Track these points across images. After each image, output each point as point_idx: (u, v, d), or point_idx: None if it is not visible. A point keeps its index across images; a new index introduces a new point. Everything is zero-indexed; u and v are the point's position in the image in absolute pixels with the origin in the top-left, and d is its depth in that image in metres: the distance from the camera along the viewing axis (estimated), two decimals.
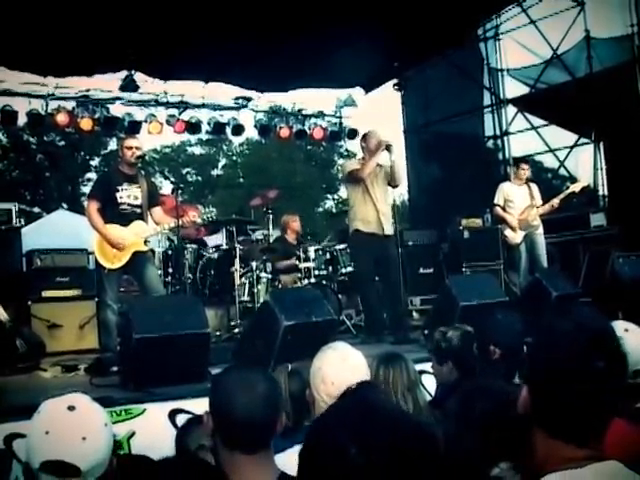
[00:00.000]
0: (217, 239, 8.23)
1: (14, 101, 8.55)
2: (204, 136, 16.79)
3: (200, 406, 2.64)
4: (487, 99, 10.98)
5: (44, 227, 9.71)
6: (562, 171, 10.49)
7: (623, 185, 8.88)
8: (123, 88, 8.94)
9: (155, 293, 5.32)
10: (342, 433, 1.14)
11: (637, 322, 2.47)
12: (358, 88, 10.73)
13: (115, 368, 4.61)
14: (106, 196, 5.39)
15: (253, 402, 1.76)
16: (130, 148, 5.45)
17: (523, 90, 10.55)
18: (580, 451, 1.28)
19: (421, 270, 8.97)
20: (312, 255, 7.32)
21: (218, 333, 7.00)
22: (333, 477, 1.13)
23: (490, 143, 11.17)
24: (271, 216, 7.66)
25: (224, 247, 7.72)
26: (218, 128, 10.01)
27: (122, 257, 5.30)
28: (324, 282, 7.27)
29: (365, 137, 6.38)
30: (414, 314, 8.51)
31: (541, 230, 7.22)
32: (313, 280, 7.17)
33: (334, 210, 25.34)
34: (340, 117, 10.89)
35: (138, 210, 5.46)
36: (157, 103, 9.49)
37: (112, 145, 21.64)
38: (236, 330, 7.00)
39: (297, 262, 7.30)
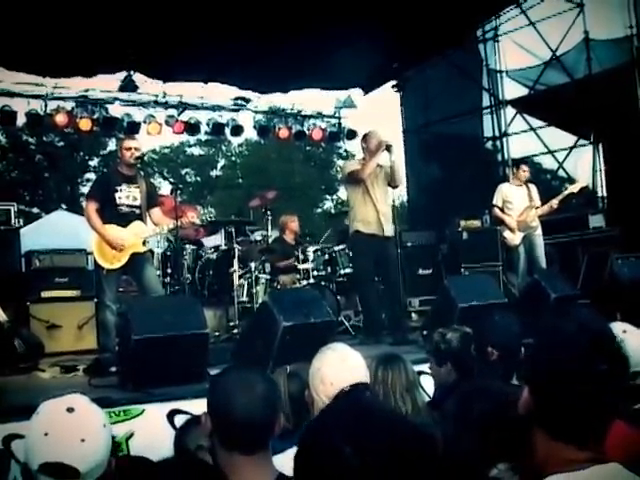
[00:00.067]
0: (216, 240, 8.23)
1: (13, 101, 8.54)
2: (203, 137, 16.79)
3: (199, 407, 2.64)
4: (486, 100, 11.00)
5: (43, 227, 9.72)
6: (561, 172, 10.51)
7: (622, 186, 8.89)
8: (122, 88, 8.94)
9: (154, 294, 5.32)
10: (337, 434, 1.15)
11: (635, 323, 2.48)
12: (357, 89, 10.73)
13: (114, 369, 4.60)
14: (105, 197, 5.39)
15: (252, 403, 1.76)
16: (129, 149, 5.45)
17: (522, 91, 10.58)
18: (581, 453, 1.28)
19: (420, 271, 8.97)
20: (311, 256, 7.32)
21: (217, 334, 7.01)
22: (328, 477, 1.13)
23: (489, 144, 11.18)
24: (270, 217, 7.67)
25: (223, 248, 7.72)
26: (217, 129, 10.01)
27: (121, 258, 5.30)
28: (323, 283, 7.27)
29: (365, 137, 6.38)
30: (413, 315, 8.50)
31: (540, 231, 7.22)
32: (312, 281, 7.17)
33: (333, 211, 25.34)
34: (339, 118, 10.89)
35: (137, 211, 5.45)
36: (156, 104, 9.48)
37: (111, 146, 21.63)
38: (235, 331, 7.00)
39: (296, 263, 7.30)
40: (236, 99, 10.14)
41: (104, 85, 9.04)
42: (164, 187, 21.62)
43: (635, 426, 1.98)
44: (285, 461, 1.75)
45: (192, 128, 9.85)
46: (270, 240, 7.71)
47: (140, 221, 5.47)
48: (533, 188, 7.30)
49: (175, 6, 6.83)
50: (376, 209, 6.17)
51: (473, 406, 1.79)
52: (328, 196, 29.25)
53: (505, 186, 7.47)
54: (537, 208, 7.14)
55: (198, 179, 29.06)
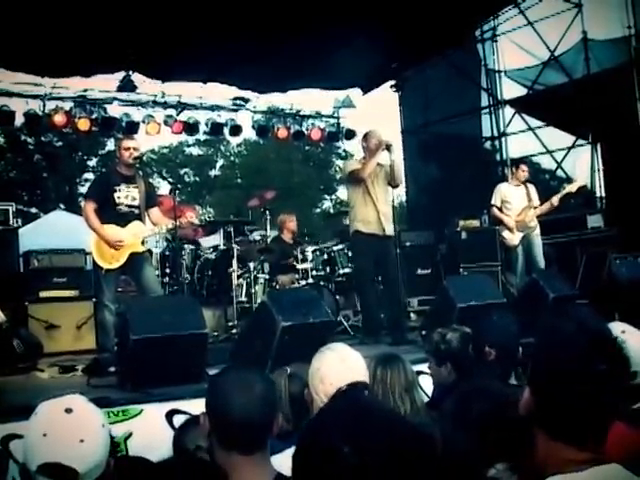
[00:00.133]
0: (215, 240, 8.23)
1: (11, 101, 8.54)
2: (202, 137, 16.78)
3: (198, 407, 2.63)
4: (485, 100, 11.00)
5: (41, 227, 9.69)
6: (559, 172, 10.51)
7: (620, 186, 8.90)
8: (121, 88, 8.93)
9: (153, 293, 5.31)
10: (336, 433, 1.15)
11: (634, 323, 2.47)
12: (356, 89, 10.73)
13: (112, 369, 4.60)
14: (103, 197, 5.38)
15: (250, 403, 1.76)
16: (128, 149, 5.44)
17: (521, 91, 10.58)
18: (580, 453, 1.28)
19: (419, 271, 8.98)
20: (310, 256, 7.32)
21: (216, 334, 7.00)
22: (327, 477, 1.13)
23: (488, 144, 11.18)
24: (269, 217, 7.67)
25: (222, 248, 7.72)
26: (216, 129, 10.01)
27: (120, 258, 5.30)
28: (322, 283, 7.27)
29: (366, 137, 6.37)
30: (412, 315, 8.50)
31: (538, 231, 7.22)
32: (311, 281, 7.17)
33: (332, 211, 25.38)
34: (338, 118, 10.90)
35: (136, 211, 5.45)
36: (155, 104, 9.49)
37: (110, 146, 21.63)
38: (234, 331, 7.00)
39: (295, 263, 7.30)
40: (235, 99, 10.15)
41: (103, 85, 9.06)
42: (163, 187, 21.70)
43: (635, 426, 1.98)
44: (283, 461, 1.75)
45: (191, 128, 9.86)
46: (269, 240, 7.71)
47: (139, 221, 5.46)
48: (532, 188, 7.30)
49: (174, 6, 6.83)
50: (376, 209, 6.16)
51: (472, 406, 1.79)
52: (327, 196, 29.28)
53: (504, 186, 7.48)
54: (536, 207, 7.15)
55: (197, 179, 29.07)
